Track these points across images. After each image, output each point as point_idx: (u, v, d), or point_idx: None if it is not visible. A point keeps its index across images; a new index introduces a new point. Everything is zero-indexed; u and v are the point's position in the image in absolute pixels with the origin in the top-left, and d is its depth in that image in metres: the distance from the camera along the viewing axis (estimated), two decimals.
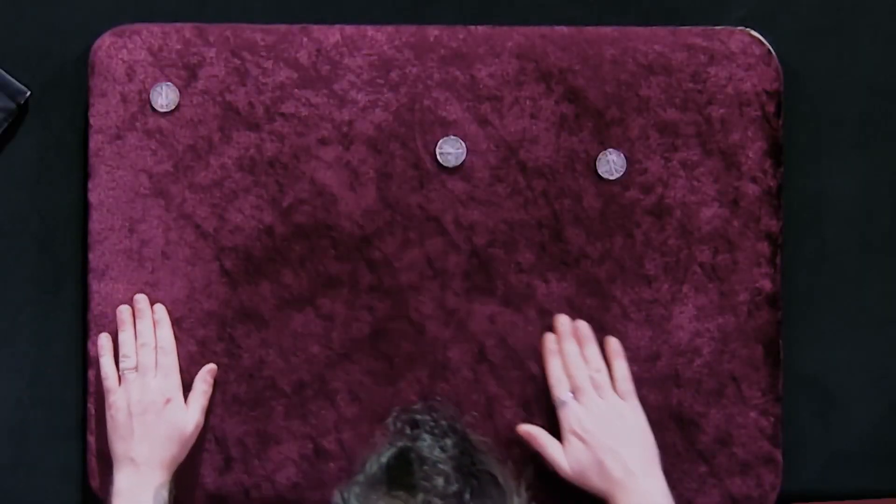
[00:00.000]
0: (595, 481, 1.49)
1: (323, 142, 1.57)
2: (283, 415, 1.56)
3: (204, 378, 1.54)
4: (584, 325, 1.55)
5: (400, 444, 1.26)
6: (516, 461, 1.49)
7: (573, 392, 1.52)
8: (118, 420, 1.50)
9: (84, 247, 1.57)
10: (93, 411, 1.56)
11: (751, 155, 1.58)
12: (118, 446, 1.50)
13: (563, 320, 1.55)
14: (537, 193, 1.57)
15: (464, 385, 1.57)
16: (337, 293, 1.57)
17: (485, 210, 1.57)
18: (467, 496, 1.22)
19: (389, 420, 1.31)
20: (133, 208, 1.56)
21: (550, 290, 1.57)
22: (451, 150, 1.56)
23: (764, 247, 1.58)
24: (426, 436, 1.26)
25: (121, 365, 1.53)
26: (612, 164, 1.56)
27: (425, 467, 1.23)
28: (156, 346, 1.53)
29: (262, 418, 1.57)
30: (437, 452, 1.24)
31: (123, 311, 1.54)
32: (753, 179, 1.58)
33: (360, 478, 1.25)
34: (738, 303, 1.58)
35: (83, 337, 1.57)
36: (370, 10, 1.59)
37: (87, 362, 1.57)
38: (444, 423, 1.27)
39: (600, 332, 1.57)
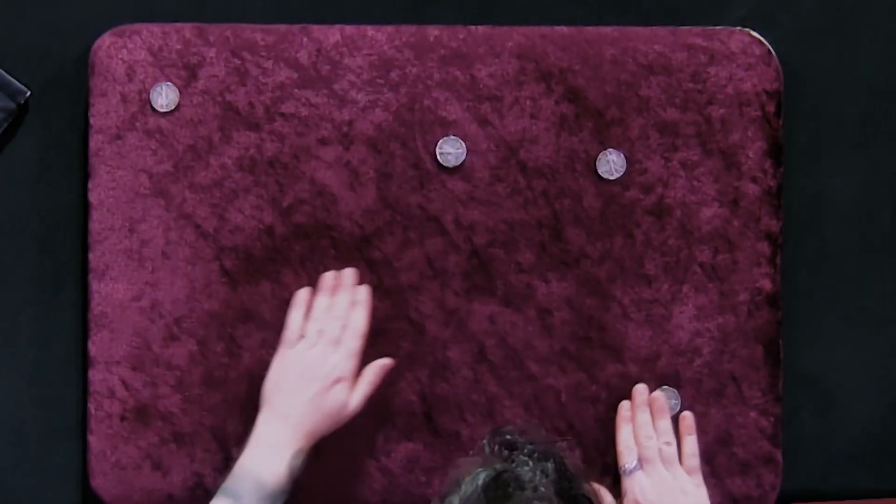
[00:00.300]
0: None
1: (323, 142, 1.57)
2: None
3: (375, 370, 1.52)
4: (660, 397, 1.55)
5: (498, 466, 1.26)
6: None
7: (640, 461, 1.52)
8: (288, 374, 1.49)
9: (84, 247, 1.57)
10: (93, 411, 1.56)
11: (751, 155, 1.58)
12: (276, 398, 1.49)
13: (640, 389, 1.56)
14: (537, 193, 1.57)
15: (464, 385, 1.57)
16: None
17: (485, 210, 1.57)
18: None
19: (484, 441, 1.30)
20: (133, 208, 1.56)
21: (550, 290, 1.57)
22: (451, 150, 1.56)
23: (764, 247, 1.58)
24: (525, 458, 1.26)
25: (308, 325, 1.52)
26: (612, 164, 1.56)
27: (526, 491, 1.23)
28: (347, 325, 1.52)
29: None
30: (539, 477, 1.24)
31: (328, 277, 1.54)
32: (753, 179, 1.58)
33: (455, 499, 1.25)
34: (738, 303, 1.58)
35: (83, 337, 1.57)
36: (370, 10, 1.59)
37: (87, 362, 1.57)
38: (542, 446, 1.27)
39: (600, 332, 1.57)
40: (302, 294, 1.54)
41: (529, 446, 1.27)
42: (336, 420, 1.49)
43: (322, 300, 1.53)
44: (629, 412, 1.55)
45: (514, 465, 1.25)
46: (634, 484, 1.51)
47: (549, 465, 1.25)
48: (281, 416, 1.48)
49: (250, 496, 1.44)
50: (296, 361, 1.50)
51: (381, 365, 1.52)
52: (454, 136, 1.56)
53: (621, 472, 1.53)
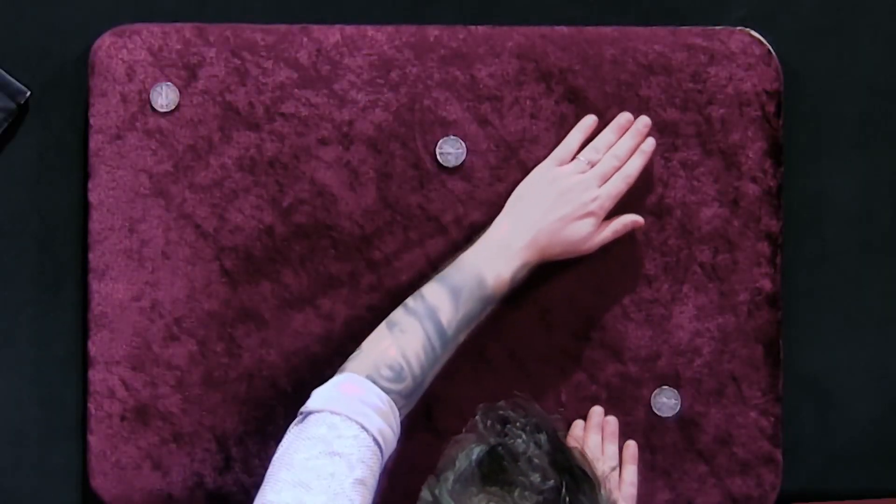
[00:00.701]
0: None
1: (323, 142, 1.57)
2: (283, 415, 1.56)
3: (624, 223, 1.52)
4: (613, 422, 1.55)
5: (492, 440, 1.26)
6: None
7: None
8: (546, 189, 1.49)
9: (84, 247, 1.57)
10: (93, 411, 1.56)
11: (751, 155, 1.58)
12: (524, 204, 1.49)
13: (597, 411, 1.56)
14: None
15: (464, 385, 1.57)
16: (337, 293, 1.57)
17: (485, 210, 1.57)
18: (564, 490, 1.22)
19: (477, 418, 1.30)
20: (133, 208, 1.56)
21: (550, 289, 1.57)
22: (451, 150, 1.56)
23: (764, 247, 1.58)
24: (519, 432, 1.26)
25: (584, 150, 1.52)
26: None
27: (520, 463, 1.23)
28: (622, 169, 1.51)
29: (262, 418, 1.57)
30: (532, 449, 1.24)
31: (624, 116, 1.53)
32: (753, 179, 1.58)
33: (450, 474, 1.25)
34: (738, 303, 1.58)
35: (83, 337, 1.57)
36: (370, 10, 1.59)
37: (87, 362, 1.57)
38: (534, 419, 1.27)
39: (600, 332, 1.57)
40: (589, 120, 1.54)
41: (522, 420, 1.27)
42: (569, 250, 1.49)
43: (608, 135, 1.53)
44: (580, 432, 1.55)
45: (507, 438, 1.25)
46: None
47: (542, 437, 1.25)
48: (522, 221, 1.48)
49: (470, 293, 1.44)
50: (558, 178, 1.50)
51: (632, 220, 1.52)
52: (454, 136, 1.56)
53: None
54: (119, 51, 1.56)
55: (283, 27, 1.57)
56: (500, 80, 1.57)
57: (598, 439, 1.55)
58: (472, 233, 1.57)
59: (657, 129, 1.57)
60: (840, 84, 1.61)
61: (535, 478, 1.22)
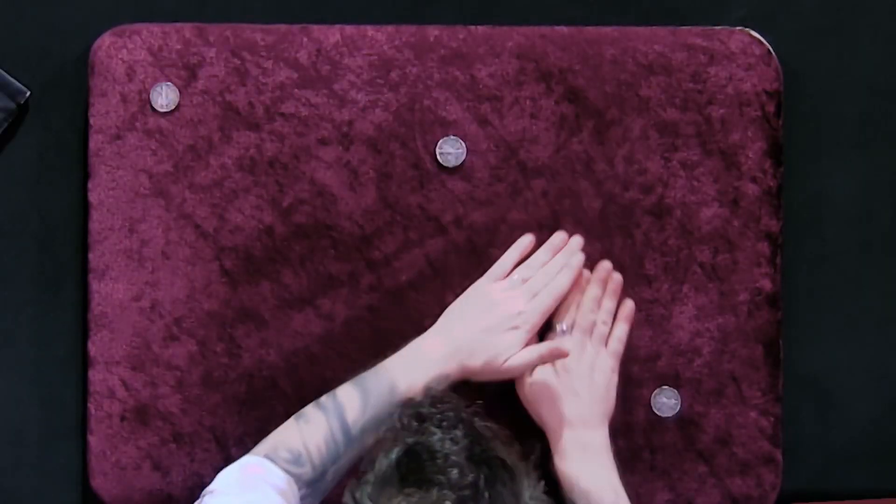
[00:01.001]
0: (544, 412, 1.50)
1: (323, 142, 1.57)
2: (283, 415, 1.56)
3: (550, 348, 1.50)
4: (617, 279, 1.55)
5: (409, 440, 1.26)
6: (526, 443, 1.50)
7: (572, 327, 1.53)
8: (475, 303, 1.51)
9: (84, 247, 1.57)
10: (93, 411, 1.56)
11: (751, 155, 1.58)
12: (451, 318, 1.50)
13: (605, 266, 1.55)
14: (537, 193, 1.57)
15: (464, 385, 1.57)
16: (337, 293, 1.57)
17: (485, 210, 1.57)
18: (482, 484, 1.21)
19: (395, 416, 1.30)
20: (133, 208, 1.56)
21: None
22: (451, 150, 1.56)
23: (764, 247, 1.58)
24: (434, 429, 1.26)
25: (518, 269, 1.53)
26: None
27: (438, 461, 1.22)
28: (553, 288, 1.52)
29: (262, 418, 1.56)
30: (448, 445, 1.24)
31: (558, 235, 1.55)
32: (753, 179, 1.58)
33: (371, 477, 1.25)
34: (738, 303, 1.58)
35: (83, 337, 1.57)
36: (370, 10, 1.59)
37: (87, 362, 1.57)
38: (450, 413, 1.27)
39: None
40: (526, 240, 1.55)
41: (438, 416, 1.27)
42: (493, 365, 1.48)
43: (541, 255, 1.54)
44: (585, 282, 1.54)
45: (423, 436, 1.25)
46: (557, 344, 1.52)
47: (458, 432, 1.25)
48: (445, 334, 1.49)
49: (379, 397, 1.43)
50: (488, 294, 1.52)
51: (558, 348, 1.50)
52: (454, 136, 1.56)
53: (551, 329, 1.53)
54: (119, 51, 1.56)
55: (283, 27, 1.57)
56: (500, 80, 1.57)
57: (598, 292, 1.54)
58: (472, 233, 1.57)
59: (657, 129, 1.57)
60: (840, 84, 1.61)
61: (453, 474, 1.22)
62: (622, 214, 1.57)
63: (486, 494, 1.21)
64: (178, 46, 1.57)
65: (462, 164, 1.57)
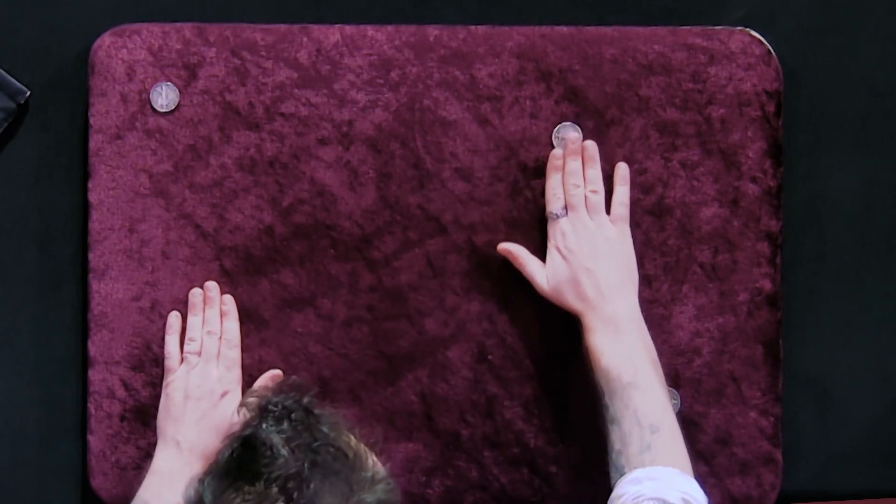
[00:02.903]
0: (569, 298, 1.50)
1: (323, 142, 1.57)
2: None
3: (265, 381, 1.53)
4: (591, 145, 1.55)
5: (245, 432, 1.25)
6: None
7: (566, 209, 1.53)
8: (174, 400, 1.50)
9: (84, 247, 1.57)
10: (93, 411, 1.56)
11: (751, 155, 1.58)
12: (167, 427, 1.50)
13: (572, 137, 1.55)
14: (537, 193, 1.57)
15: (464, 385, 1.57)
16: (337, 293, 1.57)
17: (485, 210, 1.57)
18: (307, 473, 1.21)
19: (237, 407, 1.30)
20: (133, 208, 1.56)
21: None
22: (567, 137, 1.56)
23: (764, 247, 1.58)
24: (266, 421, 1.25)
25: (185, 347, 1.53)
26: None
27: (265, 452, 1.22)
28: (221, 337, 1.53)
29: None
30: (274, 436, 1.23)
31: (196, 294, 1.55)
32: (753, 179, 1.58)
33: (212, 469, 1.25)
34: (738, 303, 1.58)
35: (83, 337, 1.57)
36: (370, 10, 1.59)
37: (87, 362, 1.57)
38: (287, 403, 1.26)
39: None
40: (172, 319, 1.55)
41: (273, 407, 1.26)
42: (220, 434, 1.45)
43: (193, 319, 1.54)
44: (559, 161, 1.55)
45: (256, 428, 1.24)
46: (556, 230, 1.53)
47: (286, 424, 1.24)
48: (173, 443, 1.48)
49: None
50: (180, 386, 1.51)
51: (270, 375, 1.53)
52: (571, 123, 1.55)
53: (548, 217, 1.53)
54: (119, 51, 1.56)
55: (283, 27, 1.57)
56: (500, 80, 1.57)
57: (577, 165, 1.54)
58: (472, 233, 1.57)
59: (657, 129, 1.57)
60: (840, 84, 1.61)
61: (278, 465, 1.21)
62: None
63: (311, 484, 1.20)
64: (178, 46, 1.57)
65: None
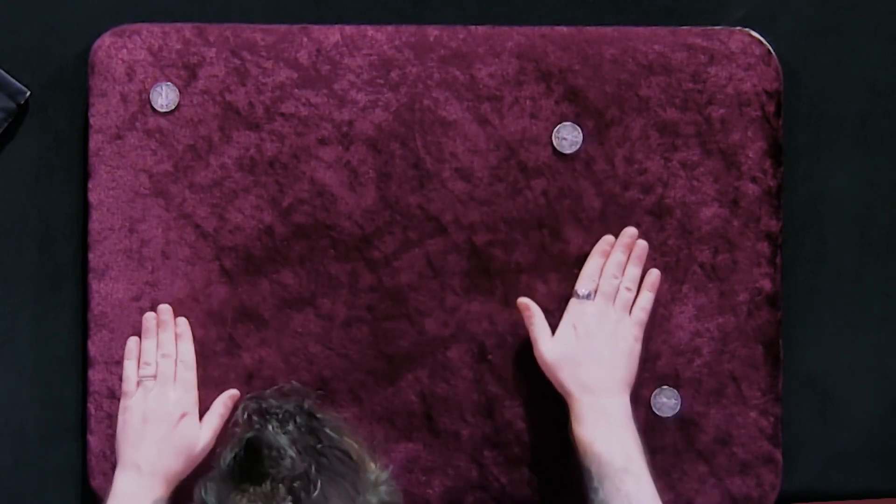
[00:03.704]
0: (565, 377, 1.51)
1: (323, 142, 1.57)
2: None
3: (224, 402, 1.53)
4: (643, 246, 1.55)
5: (248, 435, 1.26)
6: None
7: (595, 293, 1.53)
8: (131, 425, 1.50)
9: (84, 247, 1.57)
10: (93, 411, 1.56)
11: (751, 155, 1.58)
12: (126, 450, 1.50)
13: (630, 232, 1.56)
14: (537, 193, 1.57)
15: (464, 385, 1.57)
16: (337, 293, 1.57)
17: (485, 210, 1.57)
18: (314, 474, 1.21)
19: (238, 411, 1.31)
20: (133, 208, 1.56)
21: (550, 290, 1.57)
22: (567, 137, 1.56)
23: (764, 247, 1.58)
24: (271, 424, 1.26)
25: (140, 372, 1.53)
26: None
27: (271, 454, 1.23)
28: (177, 360, 1.53)
29: None
30: (281, 438, 1.24)
31: (149, 318, 1.54)
32: (753, 179, 1.58)
33: (215, 473, 1.25)
34: (738, 303, 1.58)
35: (83, 337, 1.57)
36: (370, 10, 1.59)
37: (87, 362, 1.57)
38: (289, 406, 1.27)
39: None
40: (130, 344, 1.54)
41: (277, 409, 1.26)
42: (189, 458, 1.49)
43: (148, 343, 1.54)
44: (608, 247, 1.55)
45: (260, 431, 1.25)
46: (579, 309, 1.53)
47: (291, 426, 1.24)
48: (132, 467, 1.48)
49: None
50: (137, 410, 1.51)
51: (229, 395, 1.53)
52: (571, 123, 1.56)
53: (574, 295, 1.54)
54: (119, 51, 1.56)
55: (283, 27, 1.57)
56: (500, 80, 1.57)
57: (622, 257, 1.55)
58: (472, 233, 1.57)
59: (657, 129, 1.57)
60: (840, 84, 1.61)
61: (284, 466, 1.22)
62: (622, 214, 1.57)
63: (319, 483, 1.21)
64: (178, 46, 1.57)
65: (577, 151, 1.56)
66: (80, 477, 1.59)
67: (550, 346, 1.52)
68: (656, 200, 1.58)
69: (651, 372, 1.57)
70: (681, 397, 1.57)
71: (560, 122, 1.57)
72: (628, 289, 1.54)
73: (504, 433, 1.57)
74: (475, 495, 1.57)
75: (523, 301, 1.54)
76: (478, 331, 1.57)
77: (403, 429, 1.57)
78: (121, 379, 1.55)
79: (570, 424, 1.50)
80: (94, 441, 1.56)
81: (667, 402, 1.57)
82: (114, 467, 1.56)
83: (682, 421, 1.58)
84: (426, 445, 1.57)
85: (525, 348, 1.57)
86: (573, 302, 1.54)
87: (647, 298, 1.54)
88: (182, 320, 1.55)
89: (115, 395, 1.56)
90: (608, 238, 1.56)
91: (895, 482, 1.62)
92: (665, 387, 1.57)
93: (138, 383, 1.52)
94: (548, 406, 1.56)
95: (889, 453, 1.62)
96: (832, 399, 1.61)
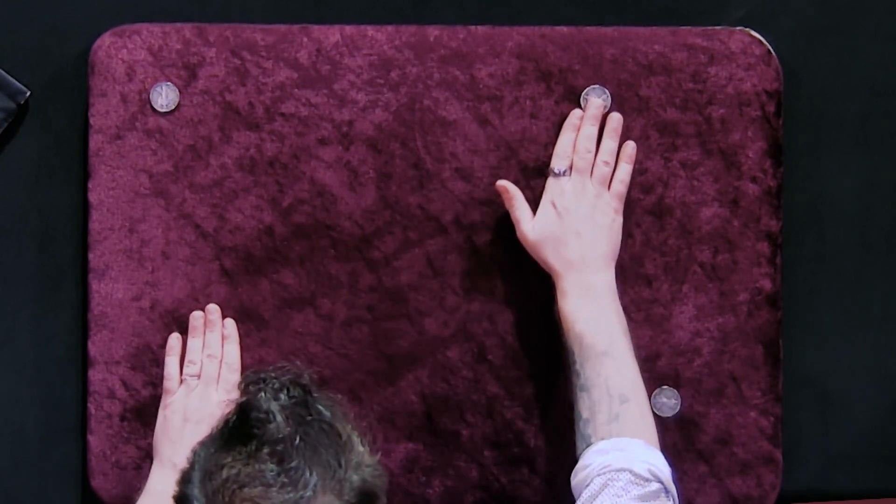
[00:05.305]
0: (549, 255, 1.51)
1: (323, 142, 1.57)
2: None
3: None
4: (617, 118, 1.55)
5: (240, 400, 1.27)
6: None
7: (571, 169, 1.53)
8: (172, 423, 1.51)
9: (84, 247, 1.57)
10: (93, 411, 1.56)
11: (751, 155, 1.58)
12: (164, 448, 1.50)
13: (596, 102, 1.55)
14: (537, 193, 1.57)
15: (464, 385, 1.57)
16: (337, 293, 1.57)
17: (485, 210, 1.57)
18: (298, 441, 1.22)
19: (240, 381, 1.31)
20: (133, 208, 1.56)
21: (551, 290, 1.57)
22: (595, 99, 1.55)
23: (764, 247, 1.58)
24: (264, 390, 1.27)
25: (185, 370, 1.53)
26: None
27: (261, 415, 1.24)
28: (222, 361, 1.53)
29: None
30: (271, 404, 1.25)
31: (196, 317, 1.55)
32: (753, 179, 1.58)
33: (210, 437, 1.26)
34: (738, 303, 1.58)
35: (83, 337, 1.57)
36: (370, 10, 1.59)
37: (87, 362, 1.57)
38: (285, 378, 1.28)
39: None
40: (172, 341, 1.55)
41: (274, 379, 1.27)
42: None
43: (194, 342, 1.54)
44: (578, 120, 1.55)
45: (254, 395, 1.26)
46: (556, 186, 1.53)
47: (284, 396, 1.25)
48: (170, 465, 1.48)
49: None
50: (178, 408, 1.51)
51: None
52: (599, 85, 1.55)
53: (549, 173, 1.54)
54: (119, 51, 1.56)
55: (283, 27, 1.57)
56: (500, 80, 1.57)
57: (593, 131, 1.54)
58: (472, 233, 1.57)
59: (657, 129, 1.57)
60: (840, 84, 1.61)
61: (270, 428, 1.23)
62: (622, 214, 1.57)
63: (303, 445, 1.22)
64: (178, 46, 1.57)
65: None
66: (80, 477, 1.59)
67: (531, 227, 1.52)
68: (656, 200, 1.58)
69: (651, 372, 1.57)
70: (681, 397, 1.57)
71: (560, 122, 1.56)
72: (606, 162, 1.53)
73: (504, 433, 1.57)
74: (475, 495, 1.57)
75: (502, 184, 1.54)
76: (478, 331, 1.57)
77: (403, 429, 1.57)
78: (120, 379, 1.55)
79: (557, 301, 1.50)
80: (94, 441, 1.56)
81: (667, 402, 1.57)
82: (114, 467, 1.56)
83: (682, 421, 1.58)
84: (426, 445, 1.57)
85: (525, 348, 1.57)
86: (550, 180, 1.53)
87: (624, 170, 1.54)
88: (230, 322, 1.55)
89: (114, 395, 1.56)
90: (577, 112, 1.55)
91: (895, 482, 1.62)
92: (665, 387, 1.57)
93: (181, 381, 1.52)
94: (548, 406, 1.56)
95: (889, 453, 1.62)
96: (832, 399, 1.61)
